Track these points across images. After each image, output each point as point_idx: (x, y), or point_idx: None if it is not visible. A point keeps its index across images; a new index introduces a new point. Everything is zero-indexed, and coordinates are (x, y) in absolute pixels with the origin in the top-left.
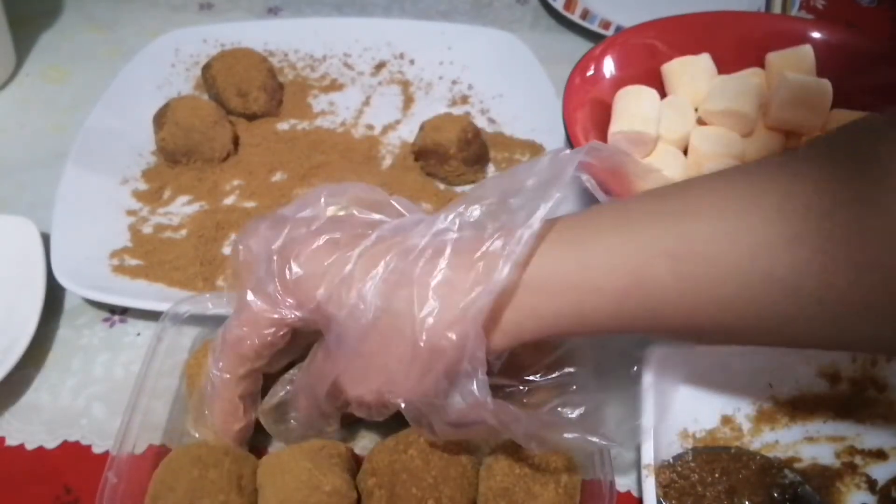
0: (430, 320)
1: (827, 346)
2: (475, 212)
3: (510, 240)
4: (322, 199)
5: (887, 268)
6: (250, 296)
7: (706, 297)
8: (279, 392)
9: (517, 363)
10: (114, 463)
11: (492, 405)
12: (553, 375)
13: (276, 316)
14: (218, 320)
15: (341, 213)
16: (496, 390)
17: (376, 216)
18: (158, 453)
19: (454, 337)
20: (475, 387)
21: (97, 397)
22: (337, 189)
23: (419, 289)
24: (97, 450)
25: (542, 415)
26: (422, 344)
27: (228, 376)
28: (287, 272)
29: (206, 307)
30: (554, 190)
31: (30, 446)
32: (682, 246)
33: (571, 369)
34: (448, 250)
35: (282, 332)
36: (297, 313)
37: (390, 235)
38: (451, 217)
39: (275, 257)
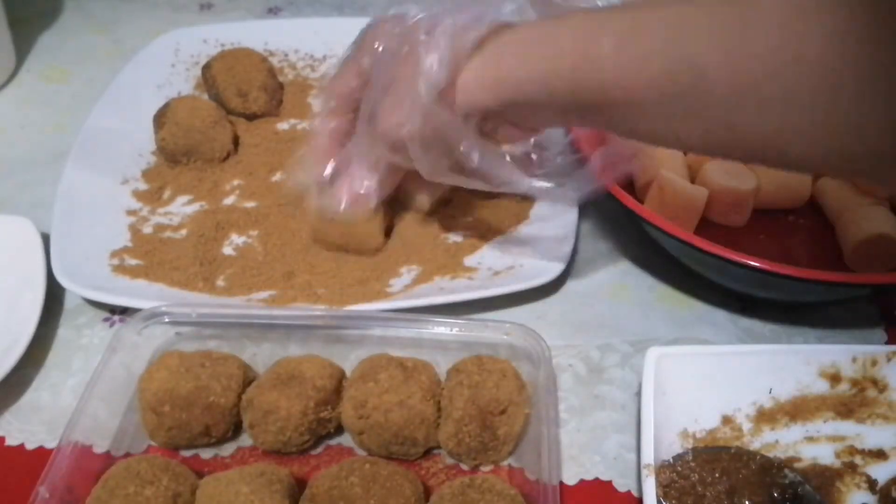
0: (433, 79)
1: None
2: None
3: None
4: None
5: None
6: (344, 55)
7: (638, 69)
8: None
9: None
10: (47, 477)
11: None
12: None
13: (353, 64)
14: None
15: None
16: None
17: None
18: (101, 467)
19: (434, 73)
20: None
21: (97, 397)
22: None
23: (424, 42)
24: (97, 450)
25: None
26: (430, 103)
27: (321, 117)
28: (361, 41)
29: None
30: None
31: (30, 446)
32: (626, 30)
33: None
34: (444, 27)
35: (356, 74)
36: (363, 61)
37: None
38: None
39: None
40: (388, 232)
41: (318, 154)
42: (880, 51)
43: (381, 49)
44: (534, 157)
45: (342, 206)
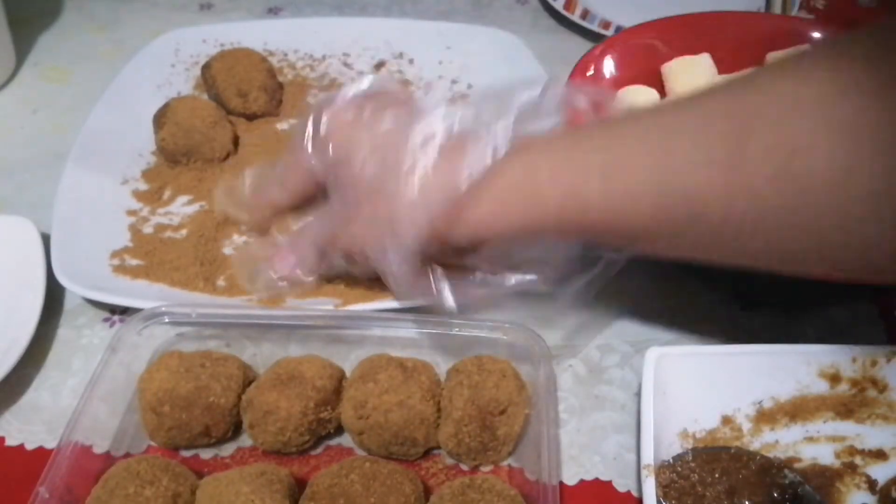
0: (407, 202)
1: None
2: (468, 117)
3: (481, 152)
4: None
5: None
6: (296, 140)
7: (630, 209)
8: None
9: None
10: (47, 477)
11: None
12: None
13: (304, 165)
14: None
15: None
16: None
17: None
18: (101, 467)
19: (417, 222)
20: (406, 258)
21: (97, 397)
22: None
23: (401, 177)
24: (97, 450)
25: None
26: (393, 225)
27: (266, 196)
28: (316, 132)
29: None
30: (533, 116)
31: (30, 446)
32: (611, 163)
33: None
34: (433, 153)
35: (309, 179)
36: (319, 165)
37: (401, 122)
38: (451, 113)
39: (310, 120)
40: None
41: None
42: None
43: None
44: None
45: (274, 288)
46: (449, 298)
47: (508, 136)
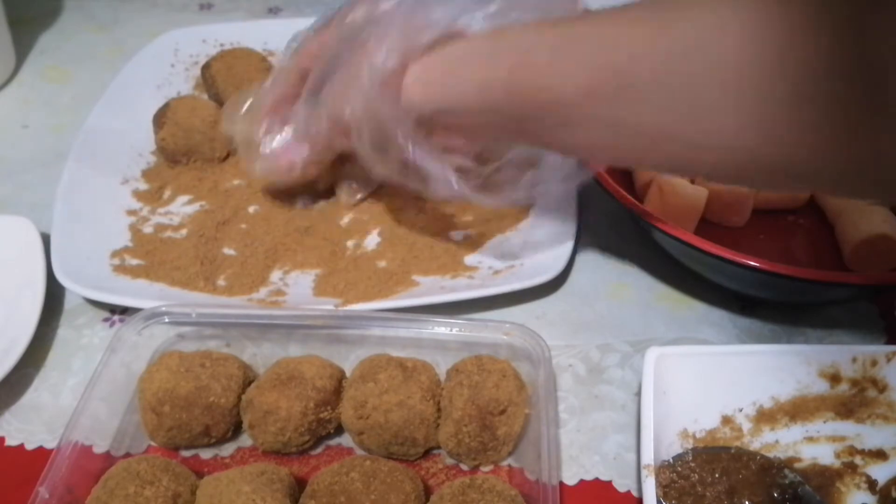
0: (378, 66)
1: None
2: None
3: (449, 19)
4: None
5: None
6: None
7: (570, 76)
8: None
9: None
10: (47, 477)
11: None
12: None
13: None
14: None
15: None
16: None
17: None
18: (101, 467)
19: (377, 77)
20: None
21: (97, 397)
22: None
23: (372, 47)
24: (97, 450)
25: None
26: (372, 89)
27: (272, 81)
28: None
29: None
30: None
31: (30, 446)
32: (560, 41)
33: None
34: (400, 21)
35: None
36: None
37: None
38: None
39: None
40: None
41: (258, 114)
42: (794, 49)
43: (342, 27)
44: (470, 167)
45: (274, 173)
46: (446, 173)
47: (485, 14)
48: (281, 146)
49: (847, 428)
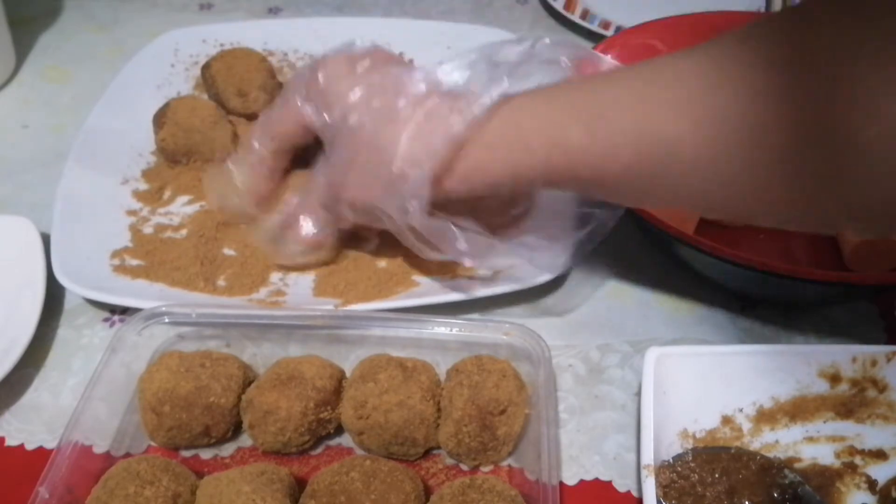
0: (401, 152)
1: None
2: (461, 71)
3: (473, 103)
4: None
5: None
6: (287, 93)
7: (611, 156)
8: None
9: (487, 209)
10: (47, 477)
11: (426, 221)
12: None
13: (300, 113)
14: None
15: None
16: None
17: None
18: (101, 467)
19: (414, 171)
20: (415, 205)
21: (97, 397)
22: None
23: (398, 126)
24: (97, 450)
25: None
26: (393, 169)
27: (258, 146)
28: (314, 83)
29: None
30: (524, 70)
31: (30, 446)
32: (593, 114)
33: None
34: (429, 102)
35: (301, 128)
36: (314, 117)
37: (395, 76)
38: (444, 69)
39: (306, 72)
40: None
41: (253, 191)
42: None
43: (349, 101)
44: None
45: (299, 255)
46: (462, 244)
47: (500, 92)
48: (306, 236)
49: (847, 428)
